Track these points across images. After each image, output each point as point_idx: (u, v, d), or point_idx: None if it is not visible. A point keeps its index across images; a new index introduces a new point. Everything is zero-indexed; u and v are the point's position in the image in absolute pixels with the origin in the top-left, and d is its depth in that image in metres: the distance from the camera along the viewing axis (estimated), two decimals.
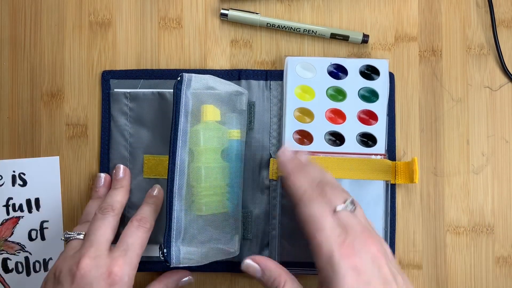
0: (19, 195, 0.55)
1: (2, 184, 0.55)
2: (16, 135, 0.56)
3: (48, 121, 0.56)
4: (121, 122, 0.55)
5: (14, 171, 0.56)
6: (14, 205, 0.55)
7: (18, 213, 0.55)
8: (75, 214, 0.56)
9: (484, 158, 0.56)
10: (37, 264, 0.55)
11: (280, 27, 0.56)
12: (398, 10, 0.57)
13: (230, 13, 0.56)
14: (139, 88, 0.56)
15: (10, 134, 0.56)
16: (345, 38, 0.56)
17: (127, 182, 0.53)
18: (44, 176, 0.56)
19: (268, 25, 0.56)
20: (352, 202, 0.42)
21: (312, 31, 0.56)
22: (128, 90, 0.55)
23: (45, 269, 0.55)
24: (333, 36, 0.56)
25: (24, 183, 0.55)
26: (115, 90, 0.56)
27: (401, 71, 0.57)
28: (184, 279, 0.53)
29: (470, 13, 0.57)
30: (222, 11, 0.56)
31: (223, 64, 0.57)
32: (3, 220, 0.55)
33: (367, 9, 0.57)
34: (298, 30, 0.56)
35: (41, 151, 0.56)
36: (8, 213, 0.55)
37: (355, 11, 0.57)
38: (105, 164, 0.55)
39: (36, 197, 0.55)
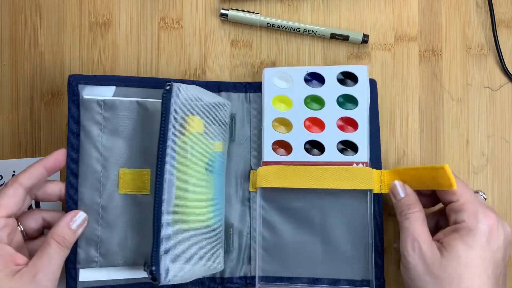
0: None
1: (2, 184, 0.55)
2: (16, 135, 0.56)
3: (48, 121, 0.56)
4: (94, 132, 0.50)
5: (14, 171, 0.55)
6: None
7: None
8: None
9: (484, 158, 0.56)
10: None
11: (280, 27, 0.56)
12: (398, 10, 0.57)
13: (230, 13, 0.56)
14: (113, 96, 0.51)
15: (10, 134, 0.56)
16: (345, 38, 0.56)
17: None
18: None
19: (268, 25, 0.56)
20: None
21: (312, 31, 0.56)
22: (102, 98, 0.51)
23: None
24: (333, 36, 0.56)
25: None
26: (85, 97, 0.50)
27: (401, 71, 0.57)
28: (77, 218, 0.48)
29: (470, 13, 0.57)
30: (222, 11, 0.56)
31: (223, 64, 0.57)
32: None
33: (367, 9, 0.57)
34: (298, 30, 0.56)
35: (41, 151, 0.56)
36: None
37: (355, 11, 0.57)
38: (73, 181, 0.50)
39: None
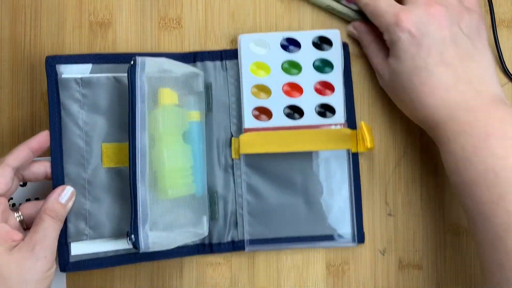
0: (19, 195, 0.55)
1: None
2: (16, 135, 0.56)
3: (48, 121, 0.56)
4: (74, 110, 0.52)
5: None
6: (14, 205, 0.55)
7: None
8: None
9: None
10: None
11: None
12: None
13: None
14: (90, 73, 0.53)
15: (10, 134, 0.56)
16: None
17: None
18: None
19: None
20: None
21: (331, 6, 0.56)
22: (80, 76, 0.52)
23: None
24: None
25: (24, 183, 0.55)
26: (63, 76, 0.52)
27: None
28: (65, 192, 0.49)
29: None
30: None
31: None
32: None
33: None
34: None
35: None
36: None
37: None
38: (58, 158, 0.51)
39: (36, 197, 0.55)
